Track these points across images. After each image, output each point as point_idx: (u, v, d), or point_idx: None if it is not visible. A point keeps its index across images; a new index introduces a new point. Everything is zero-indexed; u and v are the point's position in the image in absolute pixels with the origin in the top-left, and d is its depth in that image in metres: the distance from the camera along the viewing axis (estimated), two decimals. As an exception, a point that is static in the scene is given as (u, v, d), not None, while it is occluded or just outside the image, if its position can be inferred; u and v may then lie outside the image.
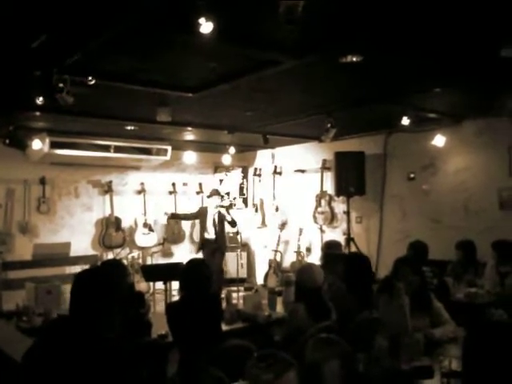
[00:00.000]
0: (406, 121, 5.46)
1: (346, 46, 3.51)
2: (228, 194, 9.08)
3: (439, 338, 3.41)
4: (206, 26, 2.64)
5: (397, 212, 7.14)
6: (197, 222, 8.87)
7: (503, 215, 6.00)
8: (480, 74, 4.22)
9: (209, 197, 7.31)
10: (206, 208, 7.21)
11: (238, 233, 8.42)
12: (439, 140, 6.28)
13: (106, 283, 2.39)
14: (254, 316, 4.33)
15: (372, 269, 4.45)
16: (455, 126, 6.27)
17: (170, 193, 8.70)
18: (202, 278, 3.63)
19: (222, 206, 7.23)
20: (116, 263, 4.42)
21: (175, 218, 7.87)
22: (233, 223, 7.17)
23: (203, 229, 7.18)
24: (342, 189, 7.11)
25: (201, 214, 7.26)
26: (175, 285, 6.80)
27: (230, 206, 8.73)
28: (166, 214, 7.46)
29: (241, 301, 5.26)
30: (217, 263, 6.93)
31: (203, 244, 7.19)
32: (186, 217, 7.73)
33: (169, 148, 7.79)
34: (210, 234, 7.11)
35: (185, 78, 4.45)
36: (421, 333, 3.29)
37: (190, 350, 3.48)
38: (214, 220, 7.06)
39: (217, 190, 7.38)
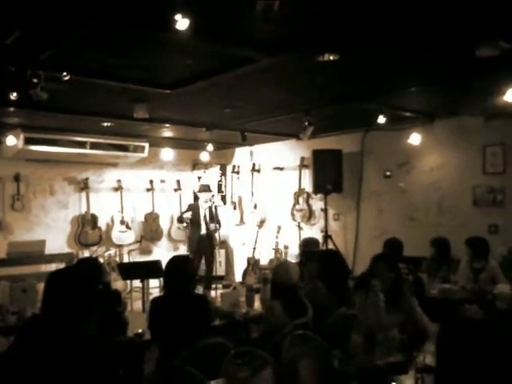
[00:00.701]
0: (382, 119, 5.52)
1: (323, 44, 3.53)
2: (220, 187, 9.05)
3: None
4: (182, 23, 2.63)
5: (373, 209, 7.23)
6: (175, 218, 8.91)
7: (476, 212, 6.13)
8: (455, 74, 4.29)
9: (199, 192, 7.26)
10: (198, 204, 7.14)
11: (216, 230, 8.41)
12: (415, 138, 6.37)
13: (81, 282, 2.36)
14: (231, 313, 4.34)
15: (346, 265, 4.49)
16: (430, 125, 6.36)
17: (148, 190, 8.63)
18: (185, 276, 3.62)
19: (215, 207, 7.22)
20: (92, 261, 4.38)
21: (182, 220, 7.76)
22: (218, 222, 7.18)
23: (198, 226, 7.08)
24: (319, 186, 7.16)
25: (193, 212, 7.18)
26: (153, 283, 6.80)
27: (224, 201, 8.74)
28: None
29: (219, 298, 5.26)
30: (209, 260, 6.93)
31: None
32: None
33: (146, 145, 7.72)
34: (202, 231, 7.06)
35: (162, 74, 4.42)
36: (396, 329, 3.34)
37: (169, 348, 3.47)
38: (205, 216, 7.01)
39: (207, 186, 7.33)
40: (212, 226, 7.11)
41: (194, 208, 7.27)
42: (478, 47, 3.34)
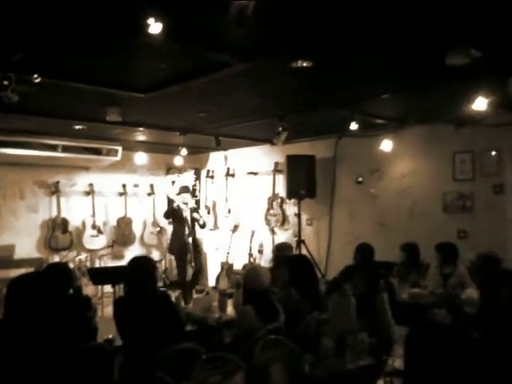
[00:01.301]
0: (354, 126, 5.59)
1: (296, 51, 3.57)
2: (194, 191, 8.98)
3: None
4: (155, 27, 2.63)
5: (346, 215, 7.30)
6: (148, 222, 8.82)
7: (446, 218, 6.25)
8: (426, 81, 4.37)
9: (178, 194, 7.18)
10: (179, 207, 7.03)
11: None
12: (386, 145, 6.46)
13: (47, 287, 2.32)
14: (203, 318, 4.32)
15: (314, 269, 4.53)
16: (402, 132, 6.46)
17: (120, 194, 8.54)
18: (146, 275, 3.59)
19: (195, 209, 7.13)
20: (61, 267, 4.31)
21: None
22: (203, 225, 7.10)
23: (182, 228, 6.97)
24: (293, 191, 7.20)
25: (176, 214, 7.06)
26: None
27: (198, 205, 8.67)
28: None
29: (192, 303, 5.22)
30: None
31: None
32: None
33: (119, 148, 7.64)
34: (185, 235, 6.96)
35: (135, 78, 4.39)
36: (365, 333, 3.38)
37: (133, 351, 3.43)
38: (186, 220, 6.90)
39: (186, 188, 7.25)
40: (201, 220, 6.96)
41: (176, 211, 7.15)
42: (449, 55, 3.40)
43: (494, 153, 5.86)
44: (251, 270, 3.81)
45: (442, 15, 2.99)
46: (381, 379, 2.74)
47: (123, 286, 3.80)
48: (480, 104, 4.30)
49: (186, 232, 6.84)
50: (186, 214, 6.85)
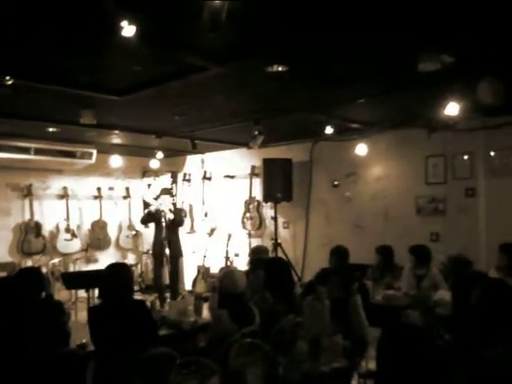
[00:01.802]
0: (329, 130, 5.64)
1: (272, 55, 3.59)
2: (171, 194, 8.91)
3: None
4: (128, 30, 2.61)
5: (322, 218, 7.36)
6: (124, 226, 8.73)
7: (419, 221, 6.35)
8: (399, 87, 4.44)
9: (157, 197, 7.11)
10: (158, 210, 6.97)
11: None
12: (361, 149, 6.54)
13: (19, 293, 2.29)
14: (179, 322, 4.30)
15: (290, 272, 4.55)
16: (376, 136, 6.55)
17: (95, 197, 8.43)
18: (123, 283, 3.55)
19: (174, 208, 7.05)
20: (33, 271, 4.23)
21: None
22: (180, 222, 7.05)
23: (161, 231, 6.90)
24: (269, 195, 7.21)
25: (155, 217, 6.99)
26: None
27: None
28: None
29: (167, 307, 5.19)
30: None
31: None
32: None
33: (94, 151, 7.55)
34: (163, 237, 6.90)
35: (111, 80, 4.35)
36: (340, 335, 3.41)
37: (108, 359, 3.39)
38: (165, 221, 6.83)
39: (166, 189, 7.19)
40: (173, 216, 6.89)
41: (154, 215, 7.09)
42: (421, 61, 3.46)
43: (465, 157, 5.98)
44: (226, 273, 3.81)
45: (414, 22, 3.04)
46: (355, 381, 2.77)
47: (98, 292, 3.74)
48: (452, 109, 4.38)
49: (164, 235, 6.80)
50: (166, 216, 6.81)
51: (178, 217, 6.99)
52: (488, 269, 4.92)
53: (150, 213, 6.99)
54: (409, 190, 6.46)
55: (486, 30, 3.16)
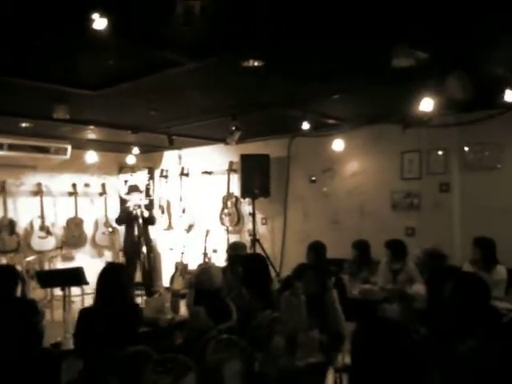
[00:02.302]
0: (306, 125, 5.66)
1: (247, 50, 3.57)
2: (148, 191, 8.84)
3: None
4: (100, 22, 2.56)
5: (299, 213, 7.38)
6: (100, 223, 8.62)
7: (395, 216, 6.42)
8: (374, 83, 4.47)
9: (127, 194, 7.02)
10: (129, 207, 6.88)
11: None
12: (338, 145, 6.58)
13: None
14: (155, 320, 4.26)
15: (268, 267, 4.56)
16: (352, 132, 6.59)
17: (70, 194, 8.30)
18: (120, 286, 3.49)
19: (145, 205, 6.96)
20: (8, 269, 4.15)
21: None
22: (152, 220, 6.97)
23: (133, 230, 6.82)
24: (247, 191, 7.21)
25: (127, 217, 6.91)
26: (75, 291, 6.54)
27: (152, 205, 8.55)
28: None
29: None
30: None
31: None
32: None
33: (68, 147, 7.43)
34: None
35: (84, 74, 4.29)
36: (316, 330, 3.43)
37: (96, 359, 3.34)
38: (136, 219, 6.75)
39: (136, 187, 7.11)
40: (145, 213, 6.80)
41: (127, 211, 7.01)
42: (395, 57, 3.49)
43: (440, 152, 6.06)
44: (202, 270, 3.79)
45: (389, 18, 3.06)
46: (331, 375, 2.79)
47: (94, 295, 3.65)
48: (426, 105, 4.43)
49: (137, 233, 6.74)
50: (137, 214, 6.74)
51: (150, 214, 6.93)
52: (462, 263, 5.00)
53: (124, 211, 6.93)
54: (384, 185, 6.52)
55: (459, 26, 3.19)
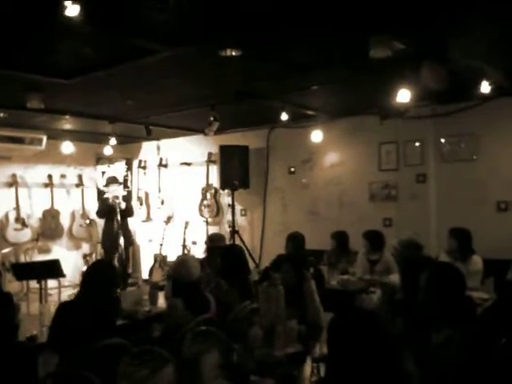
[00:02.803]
0: (284, 116, 5.64)
1: (225, 39, 3.53)
2: (126, 182, 8.74)
3: None
4: (71, 9, 2.49)
5: (278, 205, 7.39)
6: (77, 215, 8.50)
7: (373, 207, 6.47)
8: (352, 74, 4.47)
9: (106, 185, 6.93)
10: (108, 199, 6.79)
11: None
12: (316, 136, 6.58)
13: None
14: (133, 312, 4.22)
15: (246, 259, 4.56)
16: (331, 123, 6.61)
17: (46, 185, 8.16)
18: (105, 282, 3.44)
19: (123, 196, 6.87)
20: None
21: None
22: (130, 212, 6.90)
23: (112, 221, 6.73)
24: (226, 182, 7.17)
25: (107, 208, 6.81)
26: (51, 283, 6.45)
27: (130, 196, 8.46)
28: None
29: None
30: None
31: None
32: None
33: (44, 137, 7.29)
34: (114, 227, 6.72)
35: (58, 62, 4.18)
36: (295, 320, 3.44)
37: (72, 352, 3.29)
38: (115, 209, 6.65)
39: (114, 178, 7.01)
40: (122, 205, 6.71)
41: (106, 203, 6.92)
42: (372, 48, 3.49)
43: (417, 144, 6.12)
44: (180, 261, 3.75)
45: (366, 9, 3.06)
46: (308, 365, 2.80)
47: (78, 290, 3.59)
48: (403, 96, 4.45)
49: (116, 226, 6.66)
50: (115, 206, 6.65)
51: (128, 206, 6.86)
52: (439, 253, 5.08)
53: (103, 204, 6.84)
54: (363, 176, 6.56)
55: (436, 17, 3.21)
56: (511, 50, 3.83)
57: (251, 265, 7.03)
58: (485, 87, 4.52)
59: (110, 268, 3.67)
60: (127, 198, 7.02)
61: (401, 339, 2.58)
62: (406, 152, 6.21)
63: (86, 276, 3.49)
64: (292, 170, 7.24)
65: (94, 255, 8.54)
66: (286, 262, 3.81)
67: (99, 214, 7.10)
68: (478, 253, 4.79)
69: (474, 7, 3.04)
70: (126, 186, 8.82)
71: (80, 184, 8.53)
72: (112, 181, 6.86)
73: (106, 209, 6.80)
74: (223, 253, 4.31)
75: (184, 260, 3.70)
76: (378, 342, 1.87)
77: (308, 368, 2.80)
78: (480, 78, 4.44)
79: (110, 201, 6.72)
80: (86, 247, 8.67)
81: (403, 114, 5.45)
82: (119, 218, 6.68)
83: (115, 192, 6.74)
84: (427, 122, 5.96)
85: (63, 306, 3.51)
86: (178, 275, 3.51)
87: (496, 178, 5.59)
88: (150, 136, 6.80)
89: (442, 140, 5.95)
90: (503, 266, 4.69)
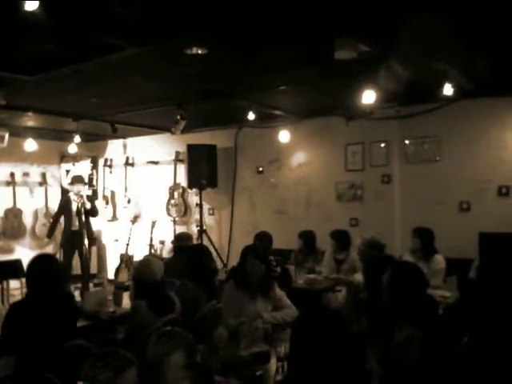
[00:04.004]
0: (251, 116, 5.63)
1: (190, 37, 3.50)
2: (91, 181, 8.57)
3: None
4: (30, 4, 2.42)
5: (246, 204, 7.39)
6: (40, 214, 8.30)
7: (339, 207, 6.54)
8: (317, 75, 4.50)
9: (70, 184, 6.79)
10: (69, 198, 6.67)
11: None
12: (284, 136, 6.61)
13: None
14: (96, 313, 4.14)
15: (212, 258, 4.54)
16: (298, 124, 6.64)
17: (8, 183, 7.93)
18: (50, 275, 3.34)
19: (88, 196, 6.75)
20: None
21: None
22: (94, 212, 6.79)
23: (69, 221, 6.61)
24: (194, 181, 7.13)
25: (64, 207, 6.69)
26: (13, 284, 6.28)
27: (95, 195, 8.29)
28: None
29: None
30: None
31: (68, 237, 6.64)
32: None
33: (6, 134, 7.05)
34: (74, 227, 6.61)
35: (20, 58, 4.07)
36: (261, 319, 3.43)
37: (33, 355, 3.21)
38: (78, 210, 6.53)
39: (80, 177, 6.88)
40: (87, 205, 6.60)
41: (64, 202, 6.80)
42: (337, 50, 3.52)
43: (382, 145, 6.22)
44: (141, 262, 3.69)
45: (331, 10, 3.08)
46: (273, 364, 2.80)
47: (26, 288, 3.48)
48: (368, 97, 4.51)
49: (76, 225, 6.54)
50: (78, 205, 6.53)
51: (92, 205, 6.75)
52: (403, 252, 5.17)
53: (61, 201, 6.76)
54: (329, 176, 6.62)
55: (400, 20, 3.25)
56: (472, 53, 3.92)
57: (219, 264, 7.03)
58: (448, 89, 4.62)
59: (52, 261, 3.56)
60: (91, 198, 6.88)
61: (364, 338, 2.60)
62: (371, 153, 6.30)
63: (28, 272, 3.38)
64: (260, 169, 7.25)
65: (58, 255, 8.36)
66: (249, 256, 3.76)
67: (56, 213, 6.98)
68: (440, 252, 4.89)
69: (437, 9, 3.09)
70: (91, 185, 8.69)
71: (43, 182, 8.35)
72: (77, 180, 6.74)
73: (61, 205, 6.71)
74: (189, 252, 4.28)
75: (147, 261, 3.64)
76: (341, 340, 1.88)
77: (273, 367, 2.79)
78: (443, 81, 4.54)
79: (71, 199, 6.61)
80: (49, 247, 8.47)
81: (369, 115, 5.52)
82: (84, 217, 6.57)
83: (80, 192, 6.62)
84: (392, 123, 6.06)
85: (15, 306, 3.41)
86: (141, 276, 3.46)
87: (458, 178, 5.73)
88: (115, 134, 6.70)
89: (407, 141, 6.06)
90: (465, 265, 4.82)
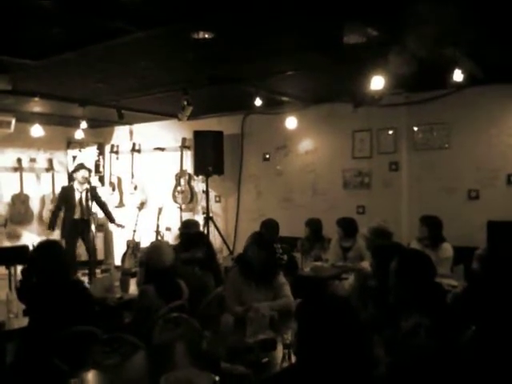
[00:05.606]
0: (258, 102, 5.58)
1: (197, 21, 3.46)
2: (98, 167, 8.58)
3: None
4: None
5: (253, 191, 7.37)
6: (47, 200, 8.33)
7: (346, 194, 6.50)
8: (326, 60, 4.45)
9: (74, 172, 6.80)
10: (72, 186, 6.68)
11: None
12: (291, 122, 6.56)
13: None
14: (104, 299, 4.16)
15: (212, 245, 4.55)
16: (305, 110, 6.59)
17: (15, 169, 7.96)
18: (56, 262, 3.35)
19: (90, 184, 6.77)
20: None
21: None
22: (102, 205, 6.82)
23: (72, 209, 6.64)
24: (200, 168, 7.11)
25: (64, 197, 6.71)
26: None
27: (102, 181, 8.33)
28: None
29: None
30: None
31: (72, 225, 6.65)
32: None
33: (12, 120, 7.08)
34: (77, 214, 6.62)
35: (25, 43, 4.04)
36: (267, 307, 3.42)
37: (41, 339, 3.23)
38: (81, 198, 6.54)
39: (83, 165, 6.88)
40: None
41: (67, 190, 6.82)
42: (346, 34, 3.47)
43: (390, 132, 6.16)
44: (153, 247, 3.70)
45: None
46: (280, 352, 2.79)
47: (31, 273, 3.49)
48: (377, 83, 4.44)
49: (78, 213, 6.56)
50: (82, 194, 6.54)
51: (95, 193, 6.76)
52: (410, 240, 5.14)
53: (63, 188, 6.78)
54: (336, 163, 6.58)
55: (409, 5, 3.19)
56: (483, 39, 3.85)
57: (225, 251, 7.04)
58: (457, 76, 4.54)
59: (57, 245, 3.57)
60: (95, 193, 6.88)
61: (371, 325, 2.59)
62: (379, 140, 6.24)
63: (34, 259, 3.39)
64: (267, 156, 7.21)
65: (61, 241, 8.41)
66: (252, 246, 3.74)
67: (56, 205, 7.00)
68: (448, 240, 4.86)
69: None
70: (97, 171, 8.70)
71: (50, 168, 8.36)
72: (80, 167, 6.75)
73: (63, 193, 6.73)
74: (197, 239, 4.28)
75: (157, 246, 3.65)
76: (348, 328, 1.86)
77: (279, 354, 2.79)
78: (453, 67, 4.47)
79: (75, 186, 6.64)
80: (56, 233, 8.50)
81: (377, 102, 5.46)
82: (90, 204, 6.57)
83: (84, 176, 6.64)
84: (400, 110, 5.99)
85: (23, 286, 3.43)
86: (151, 261, 3.46)
87: (467, 166, 5.67)
88: (122, 120, 6.67)
89: (415, 128, 6.00)
90: (473, 254, 4.78)
